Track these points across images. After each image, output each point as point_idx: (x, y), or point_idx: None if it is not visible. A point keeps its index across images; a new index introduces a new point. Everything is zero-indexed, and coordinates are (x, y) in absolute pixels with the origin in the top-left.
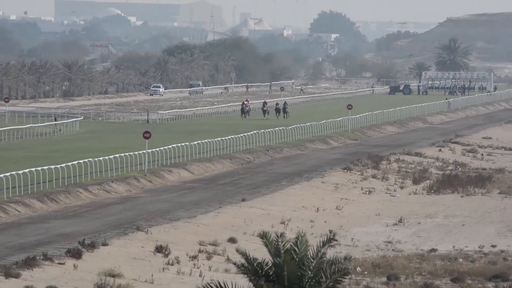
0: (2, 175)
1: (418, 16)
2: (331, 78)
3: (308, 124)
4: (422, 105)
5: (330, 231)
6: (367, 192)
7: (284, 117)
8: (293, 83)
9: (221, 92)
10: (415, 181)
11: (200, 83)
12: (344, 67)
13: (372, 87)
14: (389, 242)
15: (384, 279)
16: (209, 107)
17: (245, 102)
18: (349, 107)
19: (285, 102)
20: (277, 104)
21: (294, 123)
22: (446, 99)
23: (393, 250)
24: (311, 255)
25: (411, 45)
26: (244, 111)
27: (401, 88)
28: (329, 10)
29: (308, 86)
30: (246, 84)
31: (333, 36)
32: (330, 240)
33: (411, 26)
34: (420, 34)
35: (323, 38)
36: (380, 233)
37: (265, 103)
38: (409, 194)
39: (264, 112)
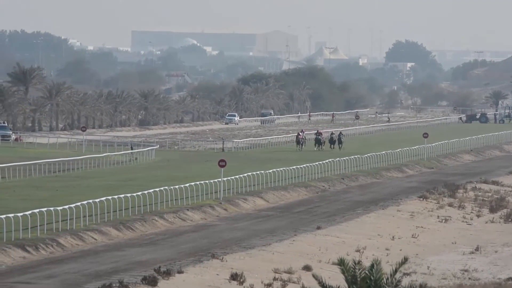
0: (79, 203)
1: (495, 45)
2: (406, 107)
3: (384, 152)
4: (499, 134)
5: (405, 258)
6: (443, 221)
7: (339, 147)
8: (376, 113)
9: (308, 120)
10: (492, 210)
11: (272, 112)
12: (419, 96)
13: (461, 119)
14: (466, 271)
15: None
16: (284, 135)
17: (300, 133)
18: (425, 135)
19: (340, 132)
20: (332, 134)
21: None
22: None
23: (469, 278)
24: (386, 282)
25: (488, 73)
26: (299, 142)
27: (477, 116)
28: (405, 39)
29: (384, 115)
30: (309, 113)
31: (409, 65)
32: (401, 264)
33: (488, 55)
34: (496, 62)
35: (399, 67)
36: (456, 261)
37: (319, 133)
38: (486, 222)
39: (319, 142)
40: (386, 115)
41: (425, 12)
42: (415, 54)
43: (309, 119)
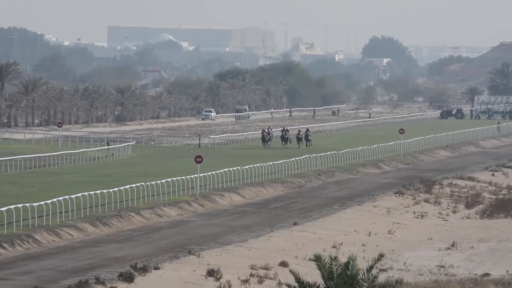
0: (55, 199)
1: (471, 40)
2: (383, 103)
3: (360, 148)
4: (474, 130)
5: (380, 254)
6: (420, 217)
7: (307, 145)
8: (357, 109)
9: (289, 116)
10: (468, 206)
11: (247, 108)
12: (396, 92)
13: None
14: (442, 267)
15: None
16: (258, 132)
17: (266, 130)
18: (401, 131)
19: (307, 129)
20: (298, 131)
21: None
22: (498, 123)
23: (445, 274)
24: (362, 278)
25: (464, 69)
26: (265, 140)
27: (453, 112)
28: (381, 35)
29: (360, 111)
30: (290, 109)
31: (385, 60)
32: (377, 260)
33: (464, 51)
34: (472, 58)
35: (375, 63)
36: (432, 257)
37: (286, 130)
38: (462, 218)
39: (286, 140)
40: (367, 111)
41: (401, 8)
42: (391, 50)
43: (290, 115)
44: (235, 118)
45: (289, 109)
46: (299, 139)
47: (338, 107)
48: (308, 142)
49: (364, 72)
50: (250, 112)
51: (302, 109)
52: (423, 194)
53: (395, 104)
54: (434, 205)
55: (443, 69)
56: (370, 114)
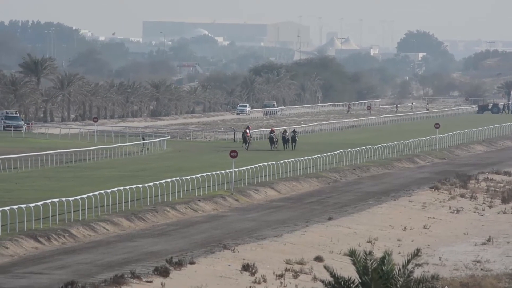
0: (91, 194)
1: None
2: (418, 97)
3: (395, 143)
4: (511, 124)
5: (417, 250)
6: (455, 211)
7: (293, 147)
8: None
9: (347, 112)
10: (504, 200)
11: (275, 103)
12: (431, 86)
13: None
14: (478, 262)
15: None
16: (294, 126)
17: (247, 130)
18: (437, 126)
19: (293, 130)
20: (284, 131)
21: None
22: None
23: (481, 269)
24: (398, 273)
25: (500, 64)
26: (245, 140)
27: (489, 107)
28: (416, 29)
29: (399, 106)
30: (348, 104)
31: (420, 55)
32: (414, 255)
33: (500, 45)
34: (508, 52)
35: (410, 57)
36: (468, 252)
37: (272, 131)
38: (498, 213)
39: (272, 141)
40: (410, 104)
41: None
42: (427, 44)
43: (348, 110)
44: (263, 113)
45: (347, 104)
46: (285, 141)
47: (370, 102)
48: (293, 144)
49: (400, 67)
50: (278, 108)
51: (337, 104)
52: (458, 189)
53: (430, 98)
54: (470, 200)
55: (479, 63)
56: (397, 107)
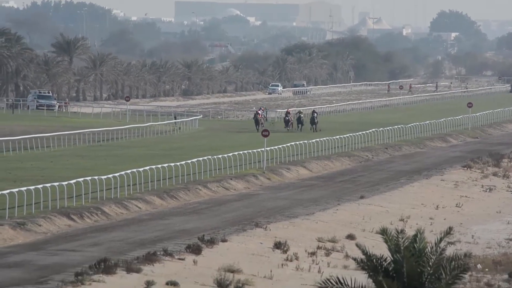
0: (123, 172)
1: None
2: (450, 77)
3: (428, 122)
4: None
5: (450, 228)
6: (488, 190)
7: (313, 129)
8: (451, 83)
9: (409, 91)
10: None
11: (304, 83)
12: (464, 66)
13: None
14: (510, 240)
15: (506, 276)
16: (327, 105)
17: (259, 111)
18: (469, 105)
19: (313, 111)
20: (299, 112)
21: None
22: None
23: None
24: (430, 251)
25: None
26: (258, 122)
27: None
28: (448, 9)
29: (428, 85)
30: (410, 84)
31: (453, 34)
32: (447, 233)
33: None
34: None
35: (443, 37)
36: (501, 230)
37: (288, 113)
38: None
39: (287, 122)
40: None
41: None
42: (460, 24)
43: (410, 90)
44: (292, 93)
45: (409, 84)
46: (300, 122)
47: (402, 82)
48: (314, 126)
49: (432, 46)
50: (308, 88)
51: (369, 83)
52: (491, 167)
53: (463, 78)
54: (503, 178)
55: None
56: (437, 87)
